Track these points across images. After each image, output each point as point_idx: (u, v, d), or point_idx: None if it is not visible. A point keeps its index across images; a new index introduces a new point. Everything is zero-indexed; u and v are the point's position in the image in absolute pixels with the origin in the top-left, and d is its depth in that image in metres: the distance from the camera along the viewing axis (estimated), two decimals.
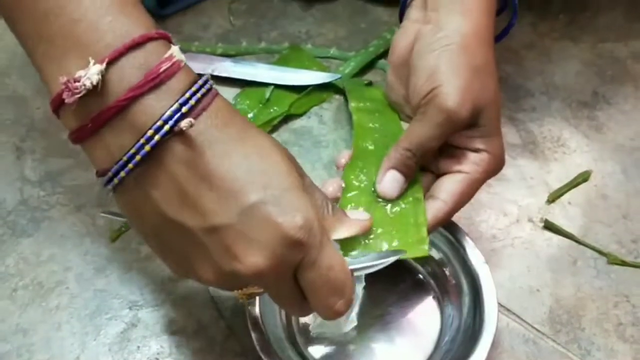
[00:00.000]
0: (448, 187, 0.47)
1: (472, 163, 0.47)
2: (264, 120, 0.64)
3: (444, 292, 0.53)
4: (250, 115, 0.64)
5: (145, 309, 0.53)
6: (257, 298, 0.47)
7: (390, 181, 0.47)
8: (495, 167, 0.48)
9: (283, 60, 0.70)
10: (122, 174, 0.35)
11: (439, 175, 0.48)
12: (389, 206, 0.47)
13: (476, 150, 0.47)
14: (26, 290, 0.54)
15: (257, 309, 0.48)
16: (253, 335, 0.47)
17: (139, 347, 0.51)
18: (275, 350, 0.46)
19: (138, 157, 0.34)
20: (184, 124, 0.34)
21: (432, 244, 0.52)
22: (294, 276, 0.37)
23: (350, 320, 0.50)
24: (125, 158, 0.34)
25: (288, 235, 0.35)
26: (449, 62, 0.46)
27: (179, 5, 0.74)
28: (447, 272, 0.53)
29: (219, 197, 0.35)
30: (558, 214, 0.60)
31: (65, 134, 0.62)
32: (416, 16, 0.51)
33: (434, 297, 0.53)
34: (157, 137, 0.34)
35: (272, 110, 0.65)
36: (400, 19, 0.54)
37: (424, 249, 0.45)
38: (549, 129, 0.66)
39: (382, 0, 0.75)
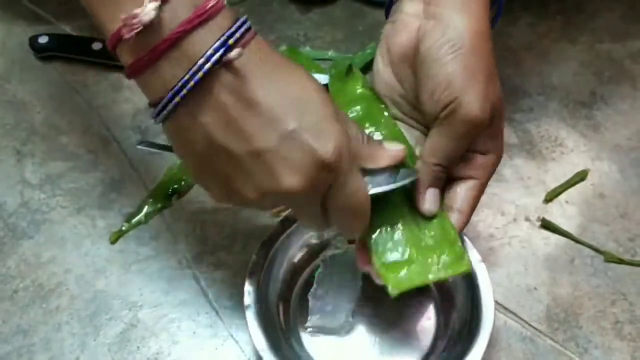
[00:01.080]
0: (462, 195, 0.47)
1: (481, 167, 0.47)
2: None
3: (441, 291, 0.53)
4: None
5: (144, 310, 0.53)
6: (253, 301, 0.48)
7: (431, 199, 0.47)
8: (498, 164, 0.48)
9: None
10: (177, 98, 0.38)
11: (447, 179, 0.48)
12: (419, 232, 0.46)
13: (484, 152, 0.47)
14: (27, 292, 0.54)
15: (254, 310, 0.48)
16: (251, 334, 0.47)
17: (138, 347, 0.52)
18: (273, 350, 0.46)
19: (192, 83, 0.37)
20: (233, 53, 0.37)
21: None
22: (322, 197, 0.41)
23: (347, 319, 0.51)
24: (180, 84, 0.37)
25: (321, 159, 0.38)
26: (465, 69, 0.44)
27: None
28: None
29: (262, 123, 0.38)
30: (555, 213, 0.60)
31: (64, 137, 0.64)
32: (413, 10, 0.48)
33: (431, 296, 0.53)
34: (208, 65, 0.37)
35: None
36: (386, 15, 0.52)
37: (466, 264, 0.45)
38: (547, 129, 0.66)
39: (379, 3, 0.76)
